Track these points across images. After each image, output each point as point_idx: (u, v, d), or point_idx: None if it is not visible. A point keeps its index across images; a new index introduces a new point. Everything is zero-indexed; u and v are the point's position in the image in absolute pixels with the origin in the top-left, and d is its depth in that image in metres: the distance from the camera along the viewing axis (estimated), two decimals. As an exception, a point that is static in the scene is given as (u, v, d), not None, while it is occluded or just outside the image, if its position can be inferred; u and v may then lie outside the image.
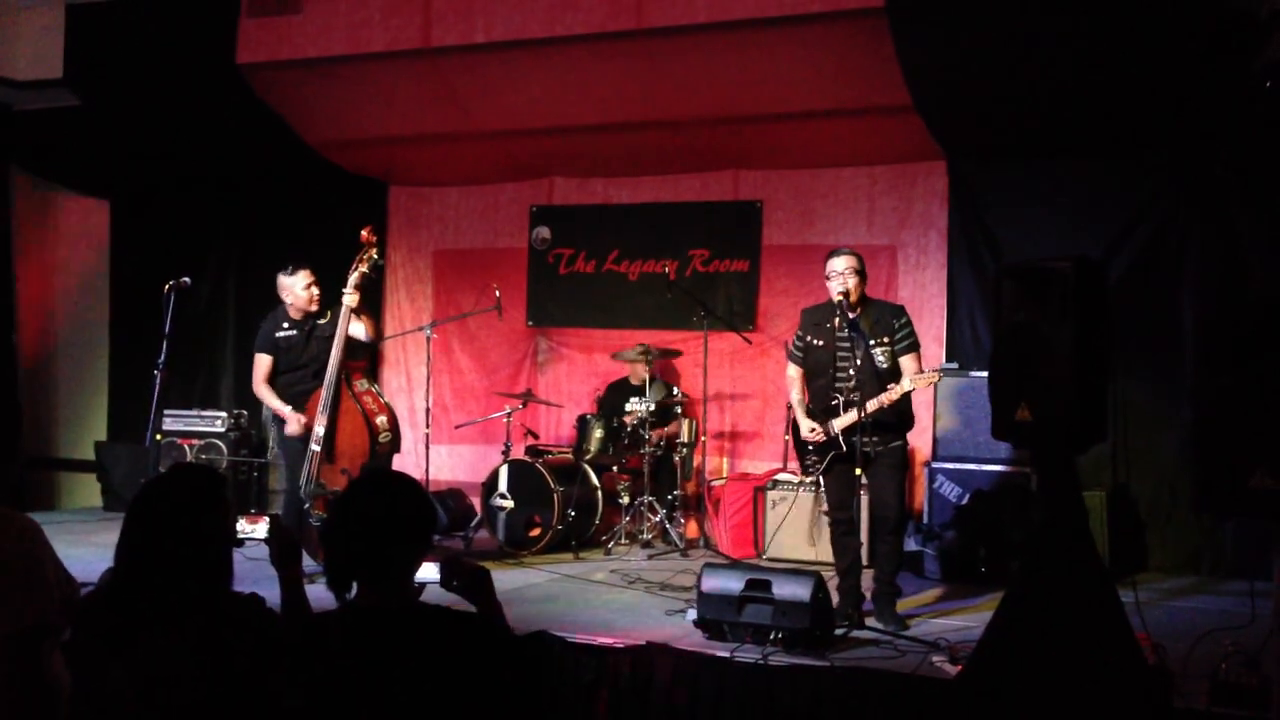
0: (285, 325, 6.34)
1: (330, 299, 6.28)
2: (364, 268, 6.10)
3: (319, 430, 6.00)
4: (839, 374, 5.47)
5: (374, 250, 6.15)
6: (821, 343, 5.56)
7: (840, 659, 4.63)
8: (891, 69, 6.65)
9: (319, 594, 2.62)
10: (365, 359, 6.35)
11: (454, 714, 2.33)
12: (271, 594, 2.80)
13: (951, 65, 6.63)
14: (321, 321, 6.30)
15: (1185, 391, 6.82)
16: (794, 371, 5.75)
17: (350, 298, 6.04)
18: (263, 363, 6.34)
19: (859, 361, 5.36)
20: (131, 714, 2.48)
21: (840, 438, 5.43)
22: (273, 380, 6.32)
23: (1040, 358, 4.03)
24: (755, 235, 8.28)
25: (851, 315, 5.39)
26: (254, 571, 3.72)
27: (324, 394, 6.03)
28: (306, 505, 6.01)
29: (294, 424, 6.16)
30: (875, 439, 5.31)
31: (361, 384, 6.22)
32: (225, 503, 2.69)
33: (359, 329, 6.14)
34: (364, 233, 6.15)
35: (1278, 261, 6.56)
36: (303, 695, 2.36)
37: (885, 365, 5.43)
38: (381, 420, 6.16)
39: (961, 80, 6.73)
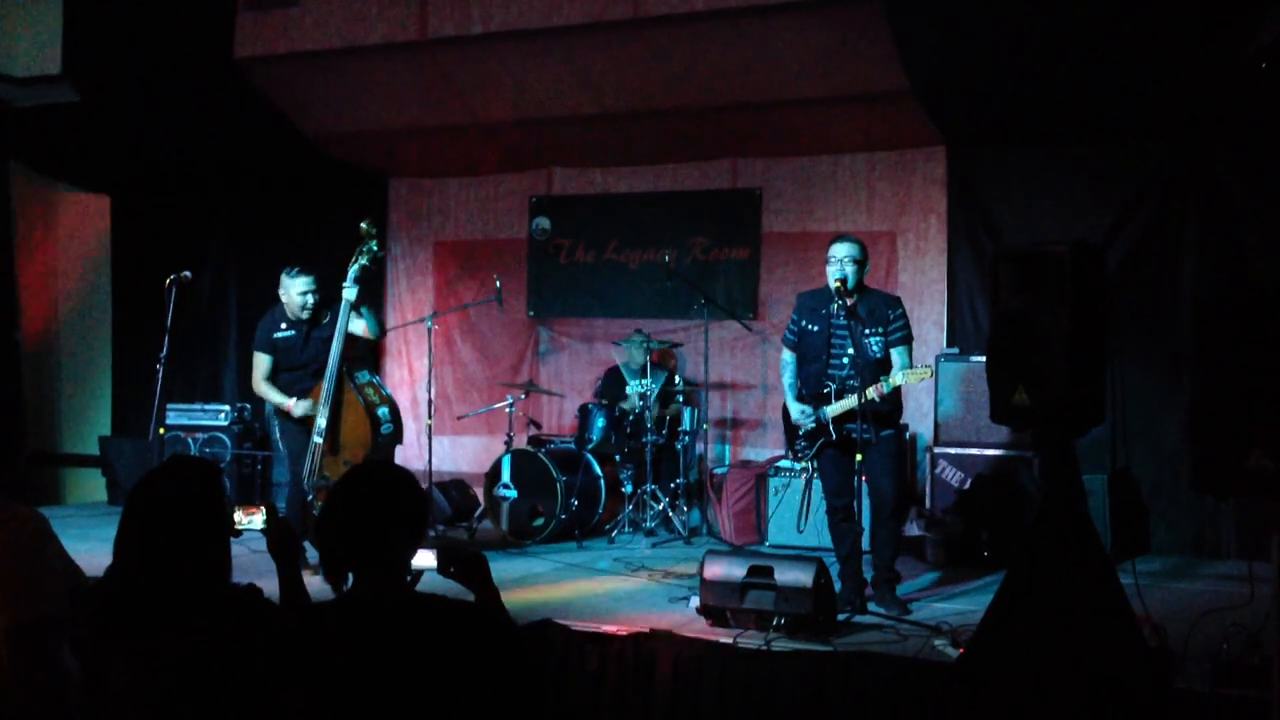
0: (283, 326, 6.30)
1: (331, 295, 6.27)
2: (363, 259, 6.10)
3: (321, 423, 6.01)
4: (833, 360, 5.47)
5: (373, 241, 6.14)
6: (816, 328, 5.55)
7: (843, 644, 4.66)
8: (889, 55, 6.65)
9: (320, 585, 2.64)
10: (367, 351, 6.34)
11: (452, 702, 2.34)
12: (270, 586, 2.82)
13: (949, 50, 6.62)
14: (323, 322, 6.28)
15: (1185, 375, 6.82)
16: (788, 355, 5.74)
17: (350, 291, 6.04)
18: (262, 362, 6.33)
19: (853, 349, 5.37)
20: (132, 708, 2.49)
21: (830, 425, 5.44)
22: (273, 379, 6.32)
23: (1037, 342, 4.04)
24: (755, 223, 8.27)
25: (848, 302, 5.39)
26: (256, 564, 3.74)
27: (325, 386, 6.03)
28: (310, 497, 6.03)
29: (298, 406, 6.16)
30: (867, 426, 5.30)
31: (363, 376, 6.23)
32: (221, 495, 2.70)
33: (359, 325, 6.13)
34: (363, 225, 6.16)
35: (1275, 244, 6.57)
36: (301, 686, 2.38)
37: (879, 355, 5.43)
38: (383, 412, 6.17)
39: (959, 66, 6.72)
